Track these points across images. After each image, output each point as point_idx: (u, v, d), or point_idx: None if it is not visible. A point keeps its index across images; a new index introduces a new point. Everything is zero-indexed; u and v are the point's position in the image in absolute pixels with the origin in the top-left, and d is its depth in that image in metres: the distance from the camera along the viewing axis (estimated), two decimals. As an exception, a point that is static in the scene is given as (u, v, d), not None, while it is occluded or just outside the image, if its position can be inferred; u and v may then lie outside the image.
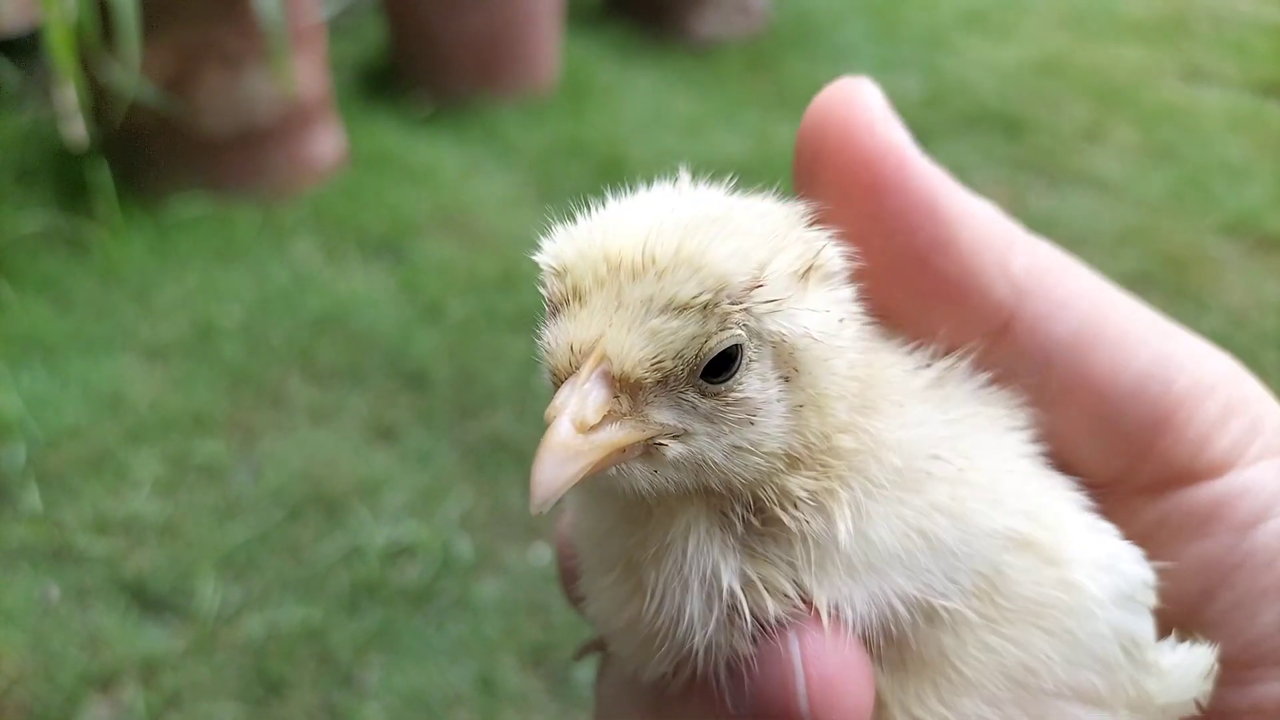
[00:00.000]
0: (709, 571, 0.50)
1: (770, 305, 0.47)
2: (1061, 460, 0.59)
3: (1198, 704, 0.56)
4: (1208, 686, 0.56)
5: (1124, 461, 0.58)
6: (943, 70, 5.24)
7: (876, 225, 0.57)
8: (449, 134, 4.40)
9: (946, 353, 0.57)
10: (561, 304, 0.48)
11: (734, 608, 0.50)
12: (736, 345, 0.47)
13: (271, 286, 3.37)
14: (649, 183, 0.55)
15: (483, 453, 2.76)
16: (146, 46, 3.17)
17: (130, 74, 3.08)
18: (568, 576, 0.61)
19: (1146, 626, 0.55)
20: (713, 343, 0.46)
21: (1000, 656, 0.51)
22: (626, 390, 0.46)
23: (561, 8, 4.78)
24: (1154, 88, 5.11)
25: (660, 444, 0.47)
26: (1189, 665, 0.56)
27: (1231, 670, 0.56)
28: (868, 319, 0.55)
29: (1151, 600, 0.55)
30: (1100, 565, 0.53)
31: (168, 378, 2.98)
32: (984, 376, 0.57)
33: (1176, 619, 0.57)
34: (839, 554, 0.49)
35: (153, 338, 3.12)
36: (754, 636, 0.50)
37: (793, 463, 0.50)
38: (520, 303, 3.33)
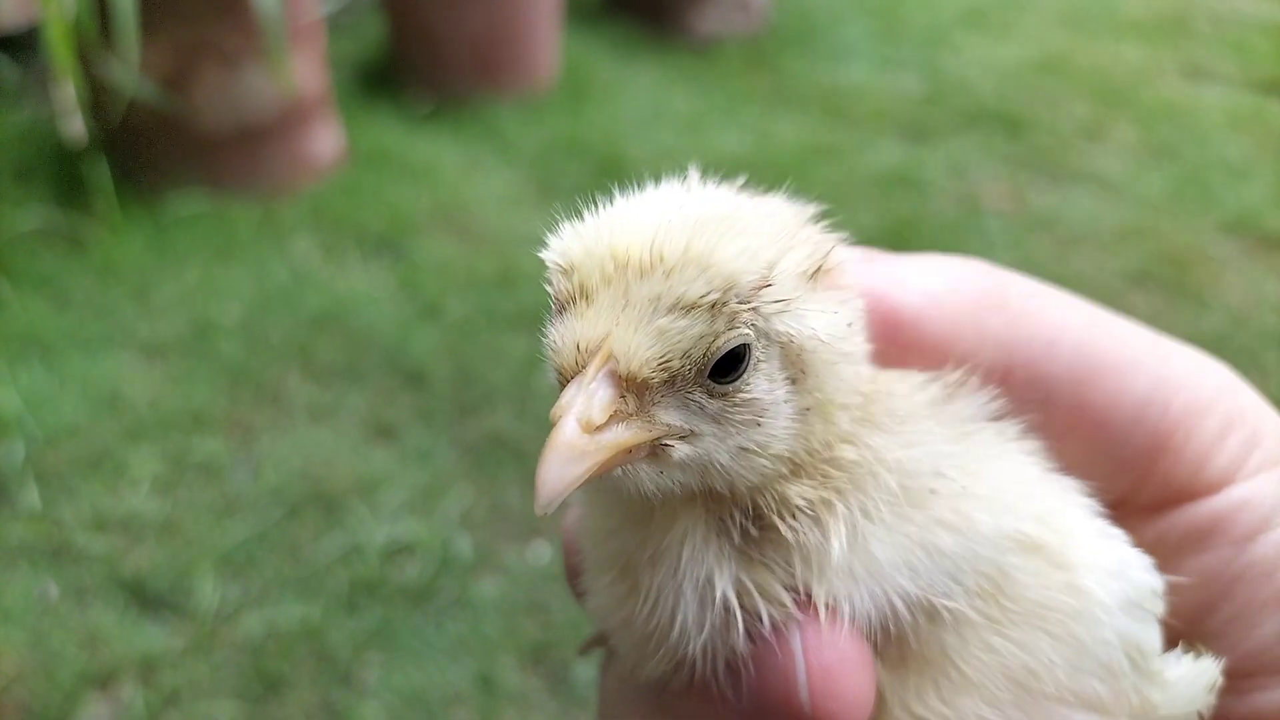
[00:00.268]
0: (703, 578, 0.50)
1: (778, 305, 0.47)
2: None
3: (1200, 716, 0.56)
4: (1211, 699, 0.56)
5: (1126, 485, 0.58)
6: (943, 69, 5.24)
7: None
8: (448, 132, 4.40)
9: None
10: (568, 302, 0.48)
11: (728, 612, 0.49)
12: (744, 345, 0.46)
13: (270, 284, 3.36)
14: (655, 180, 0.55)
15: (482, 451, 2.76)
16: (145, 43, 3.17)
17: (129, 71, 3.08)
18: (571, 571, 0.61)
19: (1153, 635, 0.54)
20: (720, 342, 0.46)
21: (1003, 658, 0.51)
22: (633, 390, 0.46)
23: (561, 5, 4.77)
24: (1154, 86, 5.11)
25: (667, 445, 0.47)
26: (1194, 677, 0.56)
27: (1231, 680, 0.56)
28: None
29: (1159, 609, 0.55)
30: (1109, 571, 0.53)
31: (166, 376, 2.98)
32: (991, 394, 0.57)
33: (1178, 632, 0.57)
34: (834, 565, 0.49)
35: (151, 336, 3.11)
36: (750, 636, 0.49)
37: (795, 469, 0.50)
38: (519, 301, 3.33)
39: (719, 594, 0.49)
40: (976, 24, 5.84)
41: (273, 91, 3.64)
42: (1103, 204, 4.10)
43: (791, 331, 0.48)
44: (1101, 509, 0.57)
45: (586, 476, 0.44)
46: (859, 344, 0.52)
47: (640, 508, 0.51)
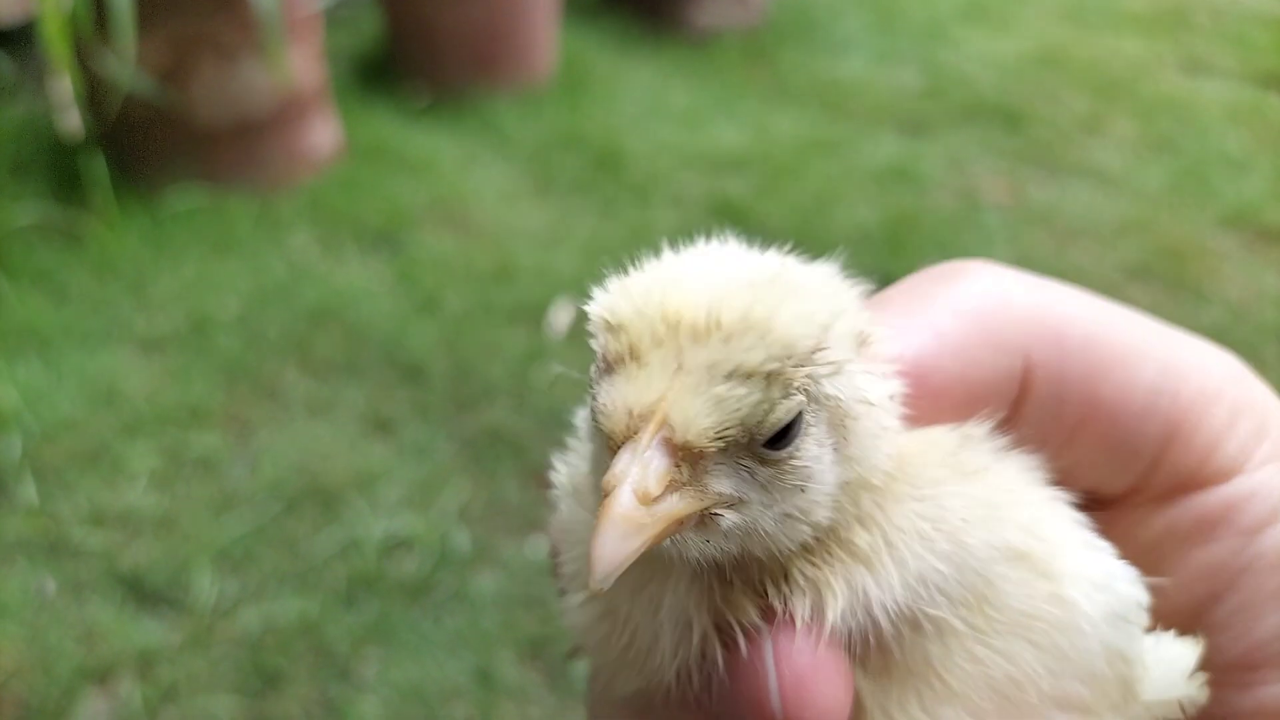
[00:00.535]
0: (682, 620, 0.49)
1: (830, 367, 0.46)
2: (1076, 483, 0.58)
3: (1181, 707, 0.56)
4: (1192, 689, 0.56)
5: (1137, 476, 0.58)
6: (941, 62, 5.23)
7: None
8: (446, 125, 4.39)
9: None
10: (616, 363, 0.46)
11: (705, 641, 0.49)
12: (799, 412, 0.46)
13: (268, 279, 3.36)
14: (694, 238, 0.53)
15: (480, 445, 2.76)
16: (141, 38, 3.16)
17: (125, 65, 3.07)
18: (558, 569, 0.61)
19: (1137, 646, 0.54)
20: (779, 411, 0.45)
21: (987, 668, 0.50)
22: (687, 459, 0.45)
23: (559, -1, 4.77)
24: (1153, 80, 5.10)
25: (716, 514, 0.46)
26: (1173, 660, 0.56)
27: (1236, 673, 0.56)
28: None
29: (1144, 621, 0.54)
30: (1095, 583, 0.52)
31: (164, 370, 2.97)
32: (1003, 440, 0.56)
33: (1183, 623, 0.57)
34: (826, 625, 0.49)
35: (148, 330, 3.11)
36: (726, 648, 0.49)
37: (804, 545, 0.49)
38: (517, 295, 3.32)
39: (697, 634, 0.49)
40: (975, 17, 5.83)
41: (270, 85, 3.63)
42: (1102, 198, 4.09)
43: (842, 394, 0.47)
44: (1096, 517, 0.56)
45: (643, 550, 0.43)
46: (894, 422, 0.51)
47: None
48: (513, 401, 2.89)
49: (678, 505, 0.44)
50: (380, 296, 3.32)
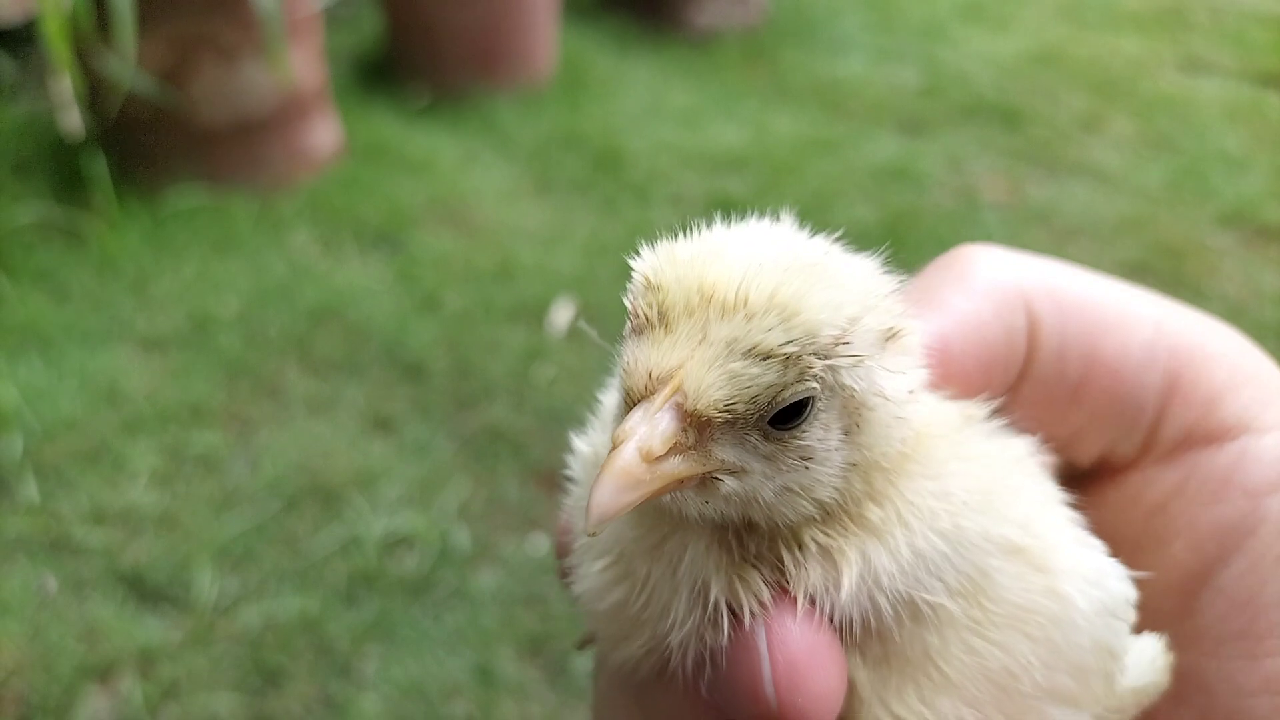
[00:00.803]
0: (699, 583, 0.51)
1: (851, 360, 0.47)
2: (1087, 449, 0.61)
3: (1147, 694, 0.58)
4: (1159, 677, 0.58)
5: (1144, 434, 0.60)
6: (940, 61, 5.24)
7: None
8: (446, 125, 4.39)
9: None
10: (645, 326, 0.48)
11: (717, 611, 0.50)
12: (809, 397, 0.47)
13: (268, 278, 3.36)
14: (754, 213, 0.55)
15: (480, 443, 2.76)
16: (142, 37, 3.17)
17: (126, 65, 3.07)
18: (562, 550, 0.62)
19: (1125, 641, 0.56)
20: (788, 394, 0.46)
21: (983, 659, 0.52)
22: (694, 425, 0.46)
23: (559, -2, 4.77)
24: (1152, 78, 5.11)
25: (716, 478, 0.48)
26: (1140, 650, 0.57)
27: (1243, 642, 0.56)
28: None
29: (1132, 617, 0.56)
30: (1088, 579, 0.54)
31: (165, 369, 2.98)
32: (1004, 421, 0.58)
33: (1190, 584, 0.58)
34: (843, 598, 0.50)
35: (149, 329, 3.12)
36: (732, 629, 0.50)
37: (823, 515, 0.51)
38: (517, 294, 3.33)
39: (712, 597, 0.50)
40: (974, 16, 5.84)
41: (270, 85, 3.64)
42: (1100, 196, 4.10)
43: (858, 387, 0.48)
44: (1104, 487, 0.59)
45: (638, 503, 0.46)
46: (913, 410, 0.52)
47: (649, 505, 0.52)
48: (513, 400, 2.89)
49: (679, 467, 0.46)
50: (380, 295, 3.32)
